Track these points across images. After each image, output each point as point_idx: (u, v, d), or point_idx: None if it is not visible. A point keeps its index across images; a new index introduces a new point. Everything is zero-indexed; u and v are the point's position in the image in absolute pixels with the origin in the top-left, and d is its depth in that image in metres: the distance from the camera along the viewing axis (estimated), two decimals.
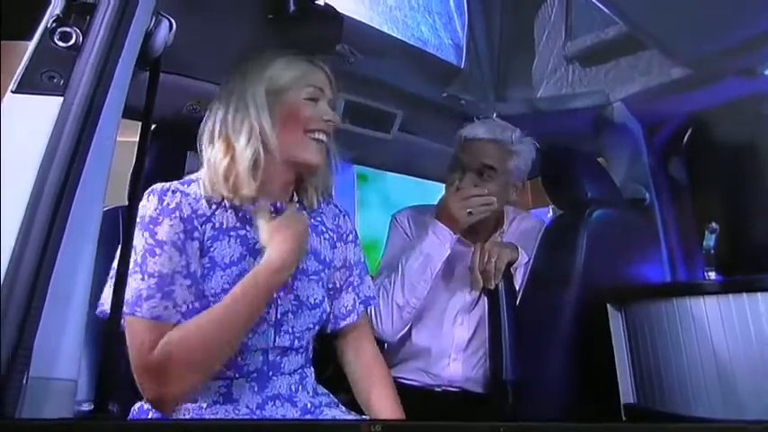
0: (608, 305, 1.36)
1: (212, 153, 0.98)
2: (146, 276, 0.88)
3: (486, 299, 1.45)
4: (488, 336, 1.44)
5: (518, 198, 1.54)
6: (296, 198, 1.07)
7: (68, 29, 0.67)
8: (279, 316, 0.99)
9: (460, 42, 1.80)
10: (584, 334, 1.37)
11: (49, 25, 0.67)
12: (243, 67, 1.01)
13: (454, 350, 1.47)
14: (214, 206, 0.98)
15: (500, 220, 1.55)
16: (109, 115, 0.63)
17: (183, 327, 0.88)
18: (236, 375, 0.97)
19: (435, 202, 1.64)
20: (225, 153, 0.96)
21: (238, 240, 0.98)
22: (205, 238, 0.95)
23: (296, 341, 1.01)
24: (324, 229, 1.11)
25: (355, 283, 1.15)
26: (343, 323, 1.12)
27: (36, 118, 0.63)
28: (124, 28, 0.68)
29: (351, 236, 1.16)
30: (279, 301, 1.00)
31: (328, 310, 1.09)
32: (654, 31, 1.38)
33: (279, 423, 0.90)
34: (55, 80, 0.65)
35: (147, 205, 0.93)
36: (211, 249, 0.96)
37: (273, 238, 0.93)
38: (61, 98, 0.64)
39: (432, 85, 1.72)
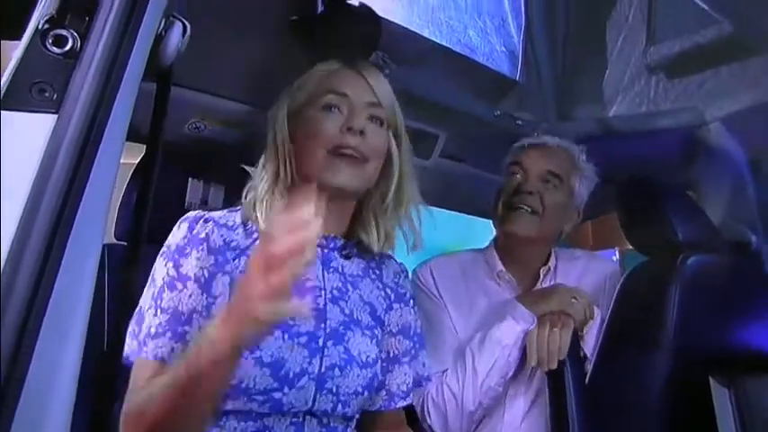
0: (711, 380, 1.33)
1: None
2: (158, 312, 0.92)
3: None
4: (550, 414, 1.39)
5: (570, 231, 1.55)
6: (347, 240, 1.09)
7: (64, 31, 0.67)
8: (323, 369, 0.99)
9: (516, 49, 1.82)
10: (678, 415, 1.33)
11: (40, 26, 0.67)
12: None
13: (505, 427, 1.43)
14: (254, 237, 1.02)
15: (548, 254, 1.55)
16: (112, 137, 0.63)
17: (144, 391, 0.88)
18: None
19: (467, 248, 1.65)
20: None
21: None
22: (239, 272, 0.98)
23: (339, 406, 1.00)
24: (381, 285, 1.13)
25: (413, 355, 1.16)
26: (401, 402, 1.13)
27: (23, 140, 0.63)
28: (131, 31, 0.68)
29: (412, 300, 1.18)
30: (325, 351, 1.00)
31: (380, 377, 1.08)
32: None
33: None
34: (47, 94, 0.65)
35: (176, 233, 0.98)
36: None
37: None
38: (55, 116, 0.64)
39: (481, 101, 1.72)
